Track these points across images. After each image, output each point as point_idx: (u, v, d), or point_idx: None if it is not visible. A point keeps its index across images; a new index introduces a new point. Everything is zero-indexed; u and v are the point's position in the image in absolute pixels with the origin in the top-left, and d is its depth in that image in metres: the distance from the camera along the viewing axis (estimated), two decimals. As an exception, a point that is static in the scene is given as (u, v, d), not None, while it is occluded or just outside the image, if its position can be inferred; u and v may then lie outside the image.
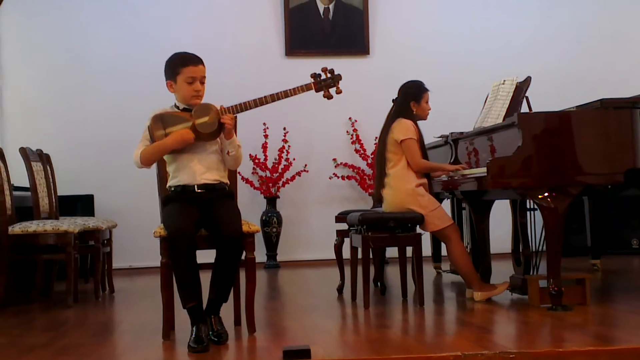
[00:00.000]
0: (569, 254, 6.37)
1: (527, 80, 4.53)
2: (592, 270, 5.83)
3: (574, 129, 3.97)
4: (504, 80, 4.68)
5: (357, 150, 7.56)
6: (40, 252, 4.91)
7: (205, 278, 3.42)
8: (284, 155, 7.41)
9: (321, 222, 7.19)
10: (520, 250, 4.55)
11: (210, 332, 3.38)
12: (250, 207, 7.10)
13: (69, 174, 6.76)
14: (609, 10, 7.99)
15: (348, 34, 7.70)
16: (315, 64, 3.86)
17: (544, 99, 5.17)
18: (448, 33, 7.79)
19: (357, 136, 7.58)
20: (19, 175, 5.44)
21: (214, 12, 7.61)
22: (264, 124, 7.27)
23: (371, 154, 7.35)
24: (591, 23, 7.93)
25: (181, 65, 3.55)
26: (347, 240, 4.87)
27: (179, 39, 6.85)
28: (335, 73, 3.72)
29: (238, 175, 4.34)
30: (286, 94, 3.59)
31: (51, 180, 5.48)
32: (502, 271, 5.03)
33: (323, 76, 3.70)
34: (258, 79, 7.18)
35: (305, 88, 3.66)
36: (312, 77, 3.70)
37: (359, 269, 4.42)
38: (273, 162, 7.40)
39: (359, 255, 4.45)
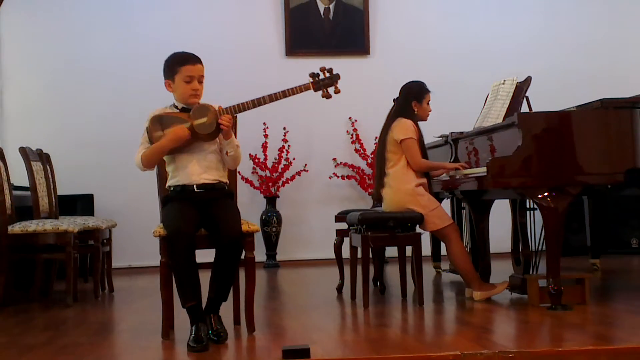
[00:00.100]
0: (569, 254, 6.37)
1: (527, 80, 4.53)
2: (592, 269, 5.83)
3: (574, 129, 3.97)
4: (504, 80, 4.68)
5: (357, 150, 7.56)
6: (40, 252, 4.92)
7: (205, 277, 3.42)
8: (283, 154, 7.41)
9: (321, 221, 7.19)
10: (520, 249, 4.56)
11: (210, 331, 3.38)
12: (250, 206, 7.10)
13: (68, 174, 6.77)
14: (609, 10, 7.99)
15: (348, 34, 7.70)
16: (316, 64, 3.85)
17: (544, 99, 5.16)
18: (448, 33, 7.79)
19: (357, 136, 7.58)
20: (18, 175, 5.44)
21: (214, 12, 7.61)
22: (264, 123, 7.27)
23: (371, 154, 7.35)
24: (591, 23, 7.93)
25: (179, 64, 3.55)
26: (346, 240, 4.88)
27: (179, 39, 6.84)
28: (334, 73, 3.72)
29: (238, 174, 4.34)
30: (284, 94, 3.59)
31: (51, 179, 5.48)
32: (501, 271, 5.03)
33: (321, 76, 3.70)
34: (258, 79, 7.17)
35: (304, 88, 3.65)
36: (310, 76, 3.69)
37: (359, 269, 4.42)
38: (273, 162, 7.40)
39: (359, 255, 4.45)
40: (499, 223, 5.47)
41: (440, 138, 5.20)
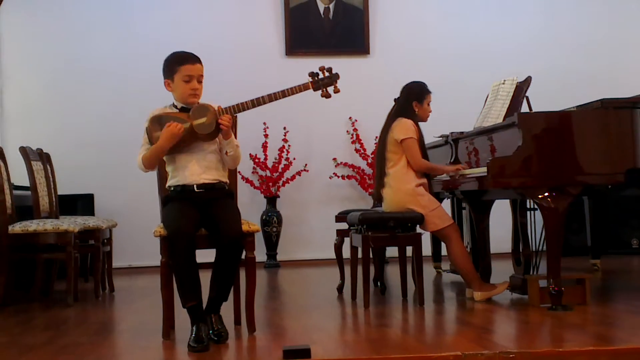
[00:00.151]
0: (569, 254, 6.36)
1: (527, 80, 4.53)
2: (592, 270, 5.82)
3: (574, 129, 3.97)
4: (504, 80, 4.68)
5: (357, 150, 7.56)
6: (40, 252, 4.92)
7: (205, 277, 3.42)
8: (284, 154, 7.41)
9: (321, 221, 7.19)
10: (520, 250, 4.55)
11: (211, 331, 3.38)
12: (250, 206, 7.10)
13: (69, 173, 6.76)
14: (609, 11, 7.99)
15: (348, 33, 7.70)
16: (316, 64, 3.85)
17: (544, 99, 5.16)
18: (448, 33, 7.79)
19: (357, 136, 7.58)
20: (19, 175, 5.44)
21: (214, 12, 7.61)
22: (264, 123, 7.27)
23: (371, 154, 7.35)
24: (591, 23, 7.93)
25: (178, 64, 3.55)
26: (347, 240, 4.88)
27: (179, 39, 6.84)
28: (333, 72, 3.71)
29: (238, 174, 4.34)
30: (284, 94, 3.58)
31: (51, 179, 5.48)
32: (502, 271, 5.03)
33: (321, 75, 3.69)
34: (258, 78, 7.17)
35: (303, 87, 3.65)
36: (310, 76, 3.69)
37: (359, 269, 4.42)
38: (273, 162, 7.40)
39: (359, 255, 4.45)
40: (500, 223, 5.47)
41: (441, 138, 5.19)
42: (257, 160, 7.33)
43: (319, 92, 3.70)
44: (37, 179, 5.14)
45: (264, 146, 7.37)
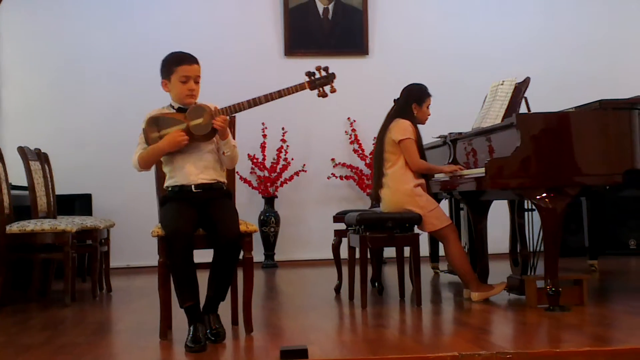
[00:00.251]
0: (567, 255, 6.37)
1: (526, 81, 4.53)
2: (590, 270, 5.83)
3: (573, 130, 3.97)
4: (503, 81, 4.68)
5: (355, 150, 7.56)
6: (38, 251, 4.91)
7: (203, 277, 3.42)
8: (282, 155, 7.40)
9: (319, 222, 7.19)
10: (518, 250, 4.56)
11: (208, 330, 3.38)
12: (248, 206, 7.10)
13: (67, 173, 6.76)
14: (608, 12, 7.99)
15: (347, 34, 7.70)
16: (315, 64, 3.84)
17: (542, 100, 5.16)
18: (447, 33, 7.79)
19: (356, 136, 7.57)
20: (17, 175, 5.43)
21: (213, 12, 7.61)
22: (263, 123, 7.27)
23: (369, 154, 7.35)
24: (591, 24, 7.94)
25: (175, 64, 3.55)
26: (345, 240, 4.88)
27: (178, 40, 6.83)
28: (330, 71, 3.71)
29: (236, 175, 4.34)
30: (280, 94, 3.58)
31: (49, 179, 5.47)
32: (499, 271, 5.03)
33: (317, 75, 3.69)
34: (257, 79, 7.15)
35: (300, 87, 3.65)
36: (306, 75, 3.69)
37: (357, 269, 4.42)
38: (271, 162, 7.40)
39: (357, 255, 4.45)
40: (497, 224, 5.48)
41: (439, 138, 5.19)
42: (255, 161, 7.33)
43: (316, 91, 3.70)
44: (35, 178, 5.13)
45: (262, 146, 7.37)
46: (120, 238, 6.72)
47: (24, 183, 5.16)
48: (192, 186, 3.55)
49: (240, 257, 3.52)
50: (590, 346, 3.04)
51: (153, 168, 3.76)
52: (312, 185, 7.57)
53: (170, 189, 3.61)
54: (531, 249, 4.51)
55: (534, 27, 7.88)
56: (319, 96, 3.71)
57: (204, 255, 3.48)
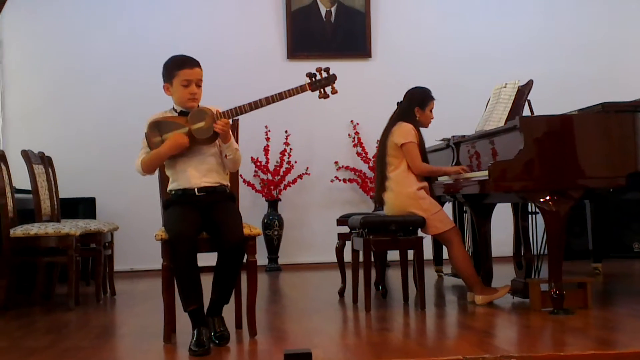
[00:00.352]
0: (571, 258, 6.37)
1: (529, 84, 4.53)
2: (594, 274, 5.82)
3: (576, 133, 3.97)
4: (506, 84, 4.68)
5: (358, 153, 7.56)
6: (42, 255, 4.92)
7: (207, 281, 3.42)
8: (285, 158, 7.40)
9: (322, 225, 7.19)
10: (522, 253, 4.55)
11: (212, 333, 3.38)
12: (251, 210, 7.10)
13: (70, 177, 6.77)
14: (611, 14, 7.99)
15: (350, 36, 7.70)
16: (317, 67, 3.85)
17: (545, 103, 5.15)
18: (450, 36, 7.79)
19: (359, 139, 7.57)
20: (20, 178, 5.44)
21: (215, 15, 7.62)
22: (266, 126, 7.28)
23: (373, 157, 7.34)
24: (593, 27, 7.93)
25: (177, 68, 3.56)
26: (348, 244, 4.87)
27: (181, 43, 6.83)
28: (331, 73, 3.69)
29: (239, 178, 4.34)
30: (281, 96, 3.58)
31: (53, 182, 5.48)
32: (503, 274, 5.03)
33: (318, 76, 3.68)
34: (260, 82, 7.14)
35: (301, 89, 3.64)
36: (307, 76, 3.68)
37: (361, 272, 4.42)
38: (275, 165, 7.40)
39: (361, 259, 4.45)
40: (501, 227, 5.47)
41: (442, 141, 5.19)
42: (258, 164, 7.34)
43: (317, 93, 3.69)
44: (39, 182, 5.14)
45: (266, 149, 7.37)
46: (124, 241, 6.72)
47: (28, 187, 5.17)
48: (196, 189, 3.56)
49: (244, 260, 3.52)
50: (594, 349, 3.04)
51: (157, 172, 3.77)
52: (315, 188, 7.57)
53: (173, 192, 3.62)
54: (535, 252, 4.51)
55: (536, 30, 7.86)
56: (320, 97, 3.70)
57: (207, 259, 3.48)
